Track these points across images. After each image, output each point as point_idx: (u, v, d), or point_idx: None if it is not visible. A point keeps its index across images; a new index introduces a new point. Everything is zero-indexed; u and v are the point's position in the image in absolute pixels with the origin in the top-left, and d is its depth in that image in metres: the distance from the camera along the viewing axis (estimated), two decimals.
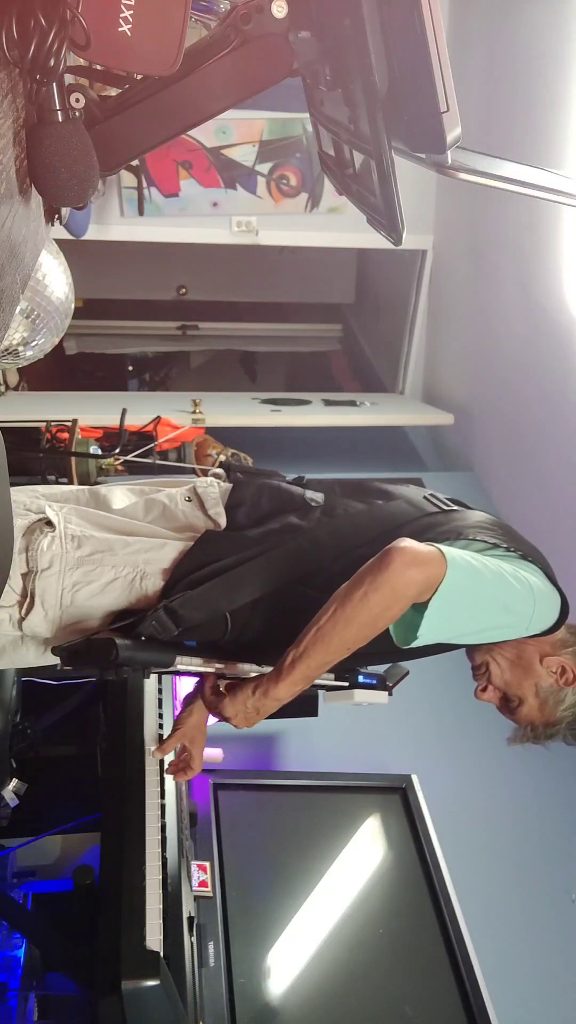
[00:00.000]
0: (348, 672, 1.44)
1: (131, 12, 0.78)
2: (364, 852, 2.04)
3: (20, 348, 1.59)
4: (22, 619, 1.29)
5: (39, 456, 2.72)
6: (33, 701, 2.00)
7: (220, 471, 1.53)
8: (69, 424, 2.87)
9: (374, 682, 1.44)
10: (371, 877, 1.98)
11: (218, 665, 1.33)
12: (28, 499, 1.39)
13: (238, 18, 0.91)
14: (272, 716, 2.78)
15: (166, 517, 1.39)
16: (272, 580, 1.27)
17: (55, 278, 1.57)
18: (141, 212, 3.90)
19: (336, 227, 4.07)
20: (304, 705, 2.48)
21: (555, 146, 2.89)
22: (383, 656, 1.41)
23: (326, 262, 5.54)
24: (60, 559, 1.27)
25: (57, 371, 5.45)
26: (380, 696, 1.45)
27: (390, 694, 1.47)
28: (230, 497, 1.39)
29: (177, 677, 1.80)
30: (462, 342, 4.17)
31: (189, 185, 3.92)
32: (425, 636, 1.21)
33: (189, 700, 1.60)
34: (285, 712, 2.68)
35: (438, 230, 4.17)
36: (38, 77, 0.78)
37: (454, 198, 3.93)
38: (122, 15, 0.78)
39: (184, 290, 5.75)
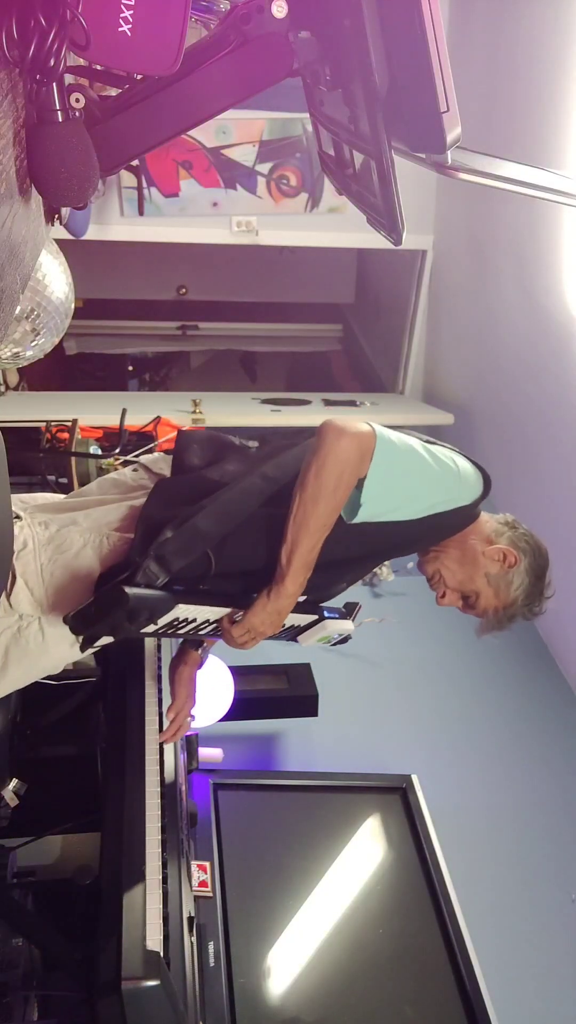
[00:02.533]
0: (315, 612, 1.56)
1: (131, 12, 0.78)
2: (364, 852, 2.04)
3: (20, 348, 1.59)
4: (8, 595, 1.36)
5: (39, 456, 2.72)
6: (33, 701, 2.00)
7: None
8: (69, 424, 2.87)
9: (337, 616, 1.57)
10: (371, 877, 1.98)
11: (219, 609, 1.40)
12: None
13: (238, 18, 0.91)
14: (272, 716, 2.79)
15: (116, 486, 1.53)
16: (242, 510, 1.37)
17: (55, 278, 1.57)
18: (141, 212, 3.90)
19: (336, 227, 4.07)
20: (304, 705, 2.51)
21: (555, 146, 2.89)
22: (347, 565, 1.52)
23: (326, 262, 5.54)
24: (33, 539, 1.37)
25: (57, 371, 5.45)
26: (347, 625, 1.59)
27: (354, 621, 1.62)
28: (176, 445, 1.52)
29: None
30: (462, 342, 4.17)
31: (189, 185, 3.92)
32: (368, 504, 1.35)
33: (175, 664, 1.73)
34: (285, 712, 2.69)
35: (438, 230, 4.16)
36: (38, 77, 0.78)
37: (454, 198, 3.93)
38: (122, 15, 0.78)
39: (184, 290, 5.75)
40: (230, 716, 2.40)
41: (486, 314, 3.78)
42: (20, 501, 1.50)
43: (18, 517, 1.40)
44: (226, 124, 3.83)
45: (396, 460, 1.36)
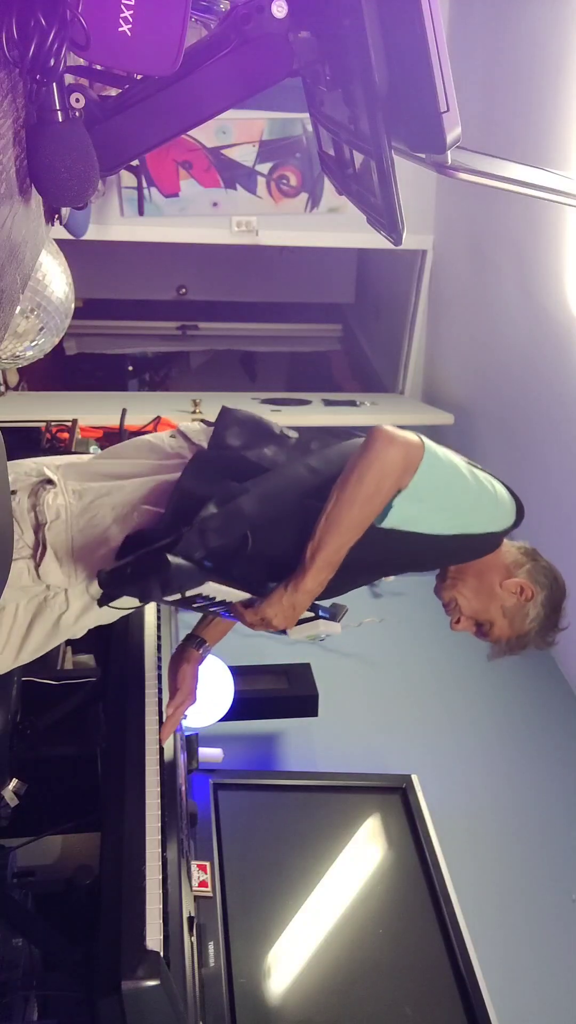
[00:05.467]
0: (312, 609, 1.54)
1: (131, 12, 0.78)
2: (364, 852, 2.04)
3: (20, 348, 1.59)
4: (37, 566, 1.39)
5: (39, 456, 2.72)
6: (33, 701, 2.00)
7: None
8: (69, 424, 2.87)
9: (328, 616, 1.56)
10: (371, 877, 1.98)
11: (242, 593, 1.40)
12: (31, 466, 1.49)
13: (238, 18, 0.91)
14: (272, 716, 2.78)
15: (152, 451, 1.51)
16: (285, 498, 1.36)
17: (55, 278, 1.57)
18: (141, 212, 3.90)
19: (336, 227, 4.07)
20: (304, 705, 2.51)
21: (555, 146, 2.89)
22: (363, 569, 1.50)
23: (326, 262, 5.54)
24: (66, 509, 1.40)
25: (57, 371, 5.44)
26: (336, 628, 1.57)
27: (339, 622, 1.61)
28: (218, 420, 1.51)
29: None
30: (462, 342, 4.17)
31: (189, 185, 3.92)
32: (398, 508, 1.32)
33: (176, 662, 1.72)
34: (285, 712, 2.69)
35: (438, 230, 4.16)
36: (38, 77, 0.78)
37: (454, 198, 3.93)
38: (122, 15, 0.78)
39: (184, 290, 5.75)
40: (230, 716, 2.40)
41: (486, 314, 3.78)
42: (53, 465, 1.49)
43: (51, 482, 1.42)
44: (226, 124, 3.83)
45: (437, 473, 1.34)
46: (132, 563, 1.28)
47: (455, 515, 1.40)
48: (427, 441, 1.34)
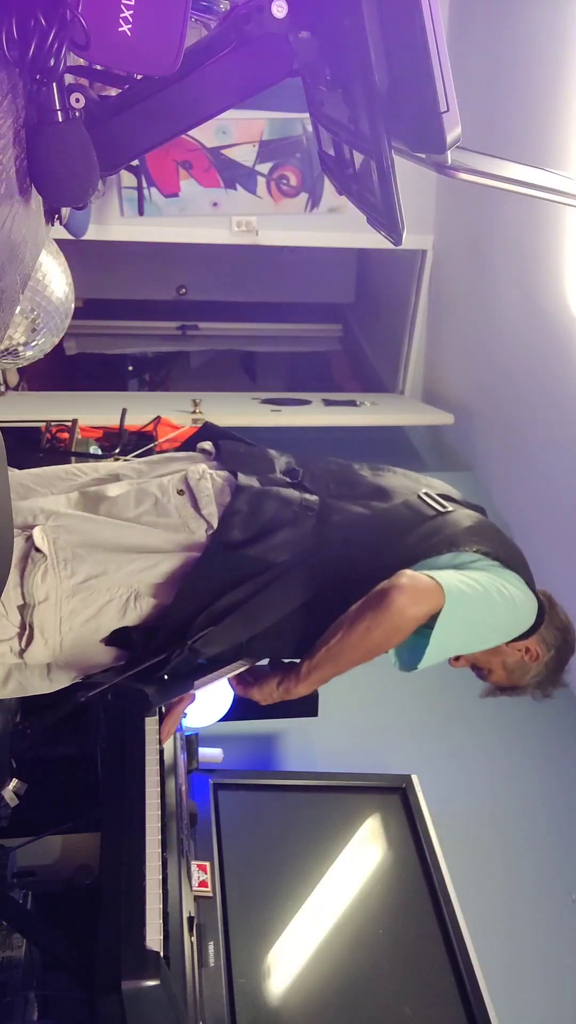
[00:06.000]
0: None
1: (131, 12, 0.78)
2: (364, 852, 2.04)
3: (20, 348, 1.59)
4: (23, 650, 1.32)
5: (39, 456, 2.72)
6: (33, 701, 2.00)
7: (208, 445, 1.58)
8: (69, 424, 2.87)
9: None
10: (371, 877, 1.98)
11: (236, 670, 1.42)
12: (23, 505, 1.40)
13: (238, 18, 0.91)
14: (272, 716, 2.79)
15: (158, 511, 1.38)
16: (286, 607, 1.35)
17: (55, 278, 1.57)
18: (141, 212, 3.90)
19: (336, 227, 4.07)
20: (304, 705, 2.50)
21: (555, 146, 2.89)
22: None
23: (326, 262, 5.54)
24: (56, 590, 1.30)
25: (57, 371, 5.44)
26: None
27: None
28: (230, 504, 1.39)
29: None
30: (462, 342, 4.17)
31: (189, 185, 3.92)
32: (426, 664, 1.34)
33: None
34: (285, 711, 2.68)
35: (438, 230, 4.17)
36: (38, 77, 0.78)
37: (454, 198, 3.93)
38: (122, 15, 0.78)
39: (184, 290, 5.75)
40: (230, 716, 2.40)
41: (486, 314, 3.78)
42: (49, 510, 1.37)
43: (40, 552, 1.30)
44: (226, 124, 3.83)
45: (459, 615, 1.30)
46: (114, 692, 1.28)
47: (476, 641, 1.43)
48: (447, 584, 1.28)
